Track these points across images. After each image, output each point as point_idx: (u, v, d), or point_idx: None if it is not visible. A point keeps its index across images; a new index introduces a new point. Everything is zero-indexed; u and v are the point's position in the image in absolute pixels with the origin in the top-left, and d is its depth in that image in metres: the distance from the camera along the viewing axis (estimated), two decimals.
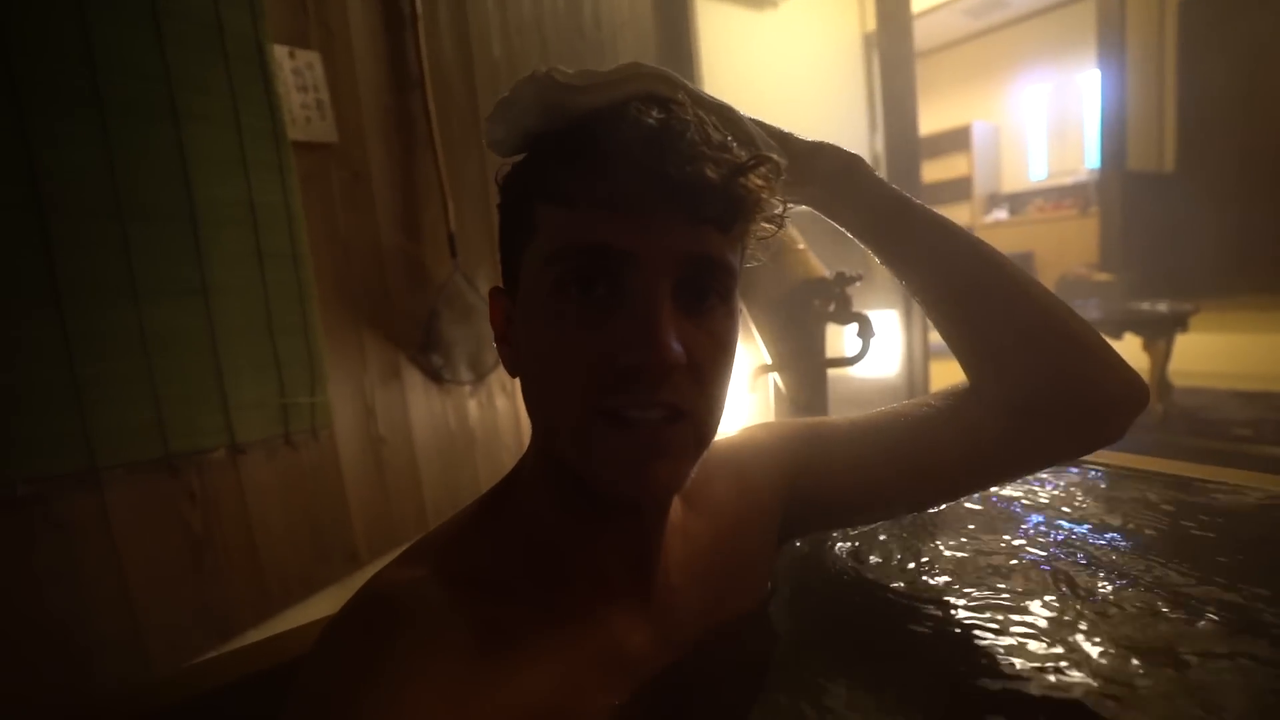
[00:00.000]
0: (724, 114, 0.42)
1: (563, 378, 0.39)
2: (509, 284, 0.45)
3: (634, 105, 0.38)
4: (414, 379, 1.69)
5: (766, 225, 0.43)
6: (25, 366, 1.00)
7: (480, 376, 1.82)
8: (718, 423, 0.42)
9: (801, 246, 1.34)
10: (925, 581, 0.61)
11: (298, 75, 1.43)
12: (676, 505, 0.52)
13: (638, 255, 0.37)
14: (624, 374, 0.37)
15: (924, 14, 4.74)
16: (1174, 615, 0.52)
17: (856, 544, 0.69)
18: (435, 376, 1.73)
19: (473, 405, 1.84)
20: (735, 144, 0.40)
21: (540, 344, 0.40)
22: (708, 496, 0.54)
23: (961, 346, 0.55)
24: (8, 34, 0.97)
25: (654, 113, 0.38)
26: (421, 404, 1.70)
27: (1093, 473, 0.86)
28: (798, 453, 0.57)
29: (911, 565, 0.64)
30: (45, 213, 1.01)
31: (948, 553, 0.66)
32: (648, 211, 0.37)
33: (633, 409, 0.37)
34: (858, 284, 1.27)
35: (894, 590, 0.60)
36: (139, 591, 1.13)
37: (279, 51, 1.37)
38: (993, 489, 0.81)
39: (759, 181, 0.40)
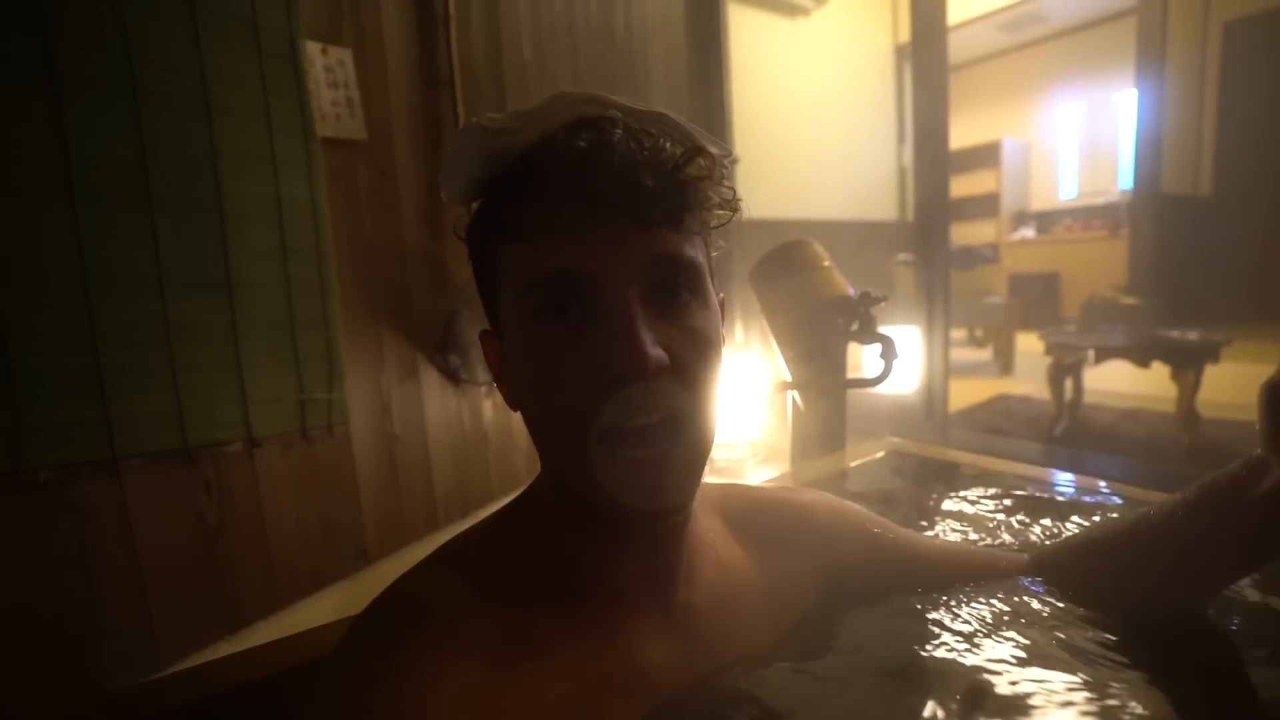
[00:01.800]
0: (660, 120, 0.42)
1: (555, 405, 0.39)
2: (495, 326, 0.45)
3: (563, 132, 0.40)
4: (431, 378, 1.69)
5: (721, 212, 0.44)
6: (52, 354, 1.01)
7: None
8: (714, 422, 0.42)
9: (826, 264, 1.32)
10: (954, 629, 0.59)
11: (329, 72, 1.43)
12: (720, 530, 0.52)
13: (599, 272, 0.38)
14: (611, 388, 0.37)
15: (957, 27, 4.68)
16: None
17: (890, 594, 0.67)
18: (452, 377, 1.73)
19: (488, 407, 1.84)
20: (668, 143, 0.41)
21: (528, 376, 0.40)
22: (756, 531, 0.54)
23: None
24: (47, 23, 0.99)
25: (583, 134, 0.39)
26: (437, 403, 1.71)
27: (1115, 500, 0.84)
28: (852, 554, 0.58)
29: (941, 610, 0.62)
30: (77, 202, 1.02)
31: (976, 596, 0.64)
32: (598, 228, 0.38)
33: (628, 419, 0.37)
34: (882, 304, 1.25)
35: (921, 637, 0.58)
36: (152, 579, 1.14)
37: (311, 48, 1.38)
38: (1021, 530, 0.79)
39: (696, 173, 0.40)
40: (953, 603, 0.61)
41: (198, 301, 1.16)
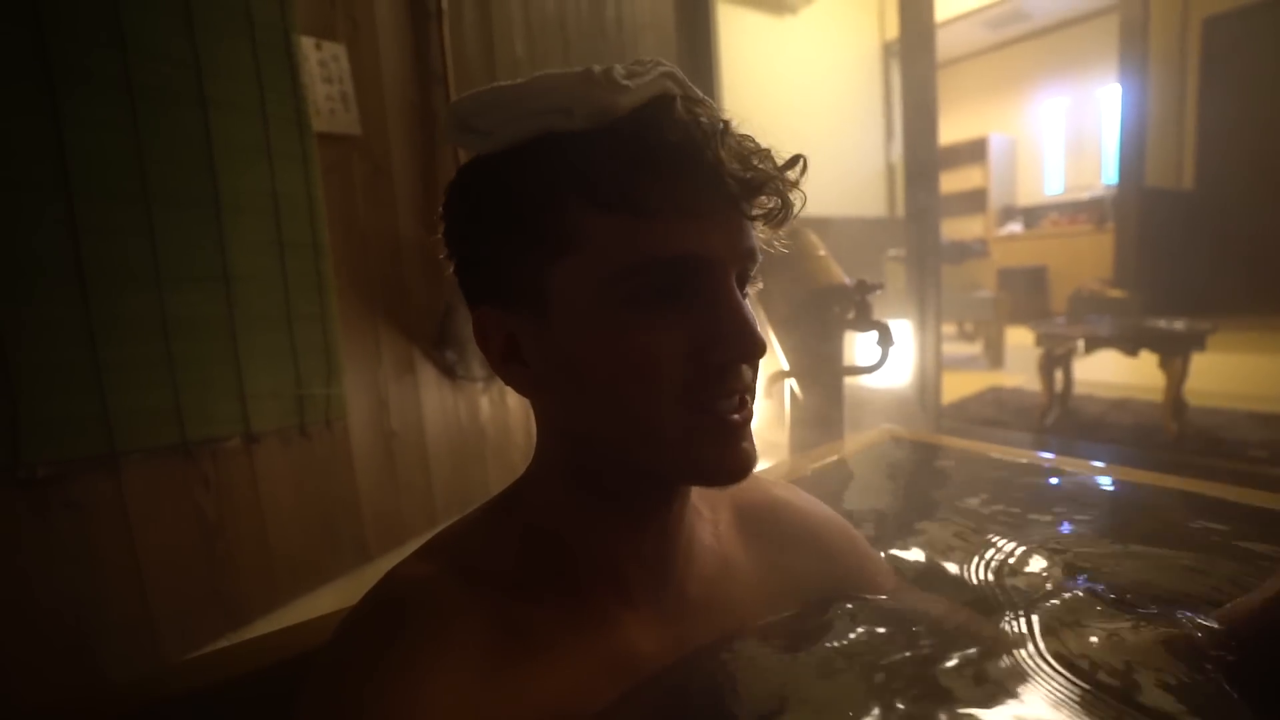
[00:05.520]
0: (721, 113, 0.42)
1: (652, 387, 0.38)
2: (513, 301, 0.41)
3: (678, 104, 0.38)
4: (428, 374, 1.69)
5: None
6: (48, 348, 1.00)
7: (493, 374, 1.82)
8: None
9: (822, 253, 1.34)
10: (950, 617, 0.58)
11: (323, 66, 1.43)
12: (729, 523, 0.52)
13: (715, 259, 0.38)
14: (717, 370, 0.38)
15: (943, 25, 4.72)
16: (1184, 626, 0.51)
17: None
18: (449, 372, 1.73)
19: (485, 402, 1.84)
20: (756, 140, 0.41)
21: (615, 358, 0.38)
22: (765, 530, 0.54)
23: None
24: (40, 15, 0.98)
25: (699, 110, 0.38)
26: (434, 399, 1.70)
27: (1114, 488, 0.85)
28: (848, 583, 0.58)
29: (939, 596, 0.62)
30: (72, 195, 1.02)
31: (972, 578, 0.64)
32: (717, 214, 0.38)
33: (722, 399, 0.39)
34: (878, 292, 1.26)
35: (919, 631, 0.57)
36: (151, 576, 1.13)
37: (305, 42, 1.38)
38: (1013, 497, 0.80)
39: (794, 177, 0.41)
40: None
41: (194, 295, 1.16)
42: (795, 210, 0.41)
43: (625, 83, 0.38)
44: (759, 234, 0.42)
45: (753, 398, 0.41)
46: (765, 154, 0.39)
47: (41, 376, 0.99)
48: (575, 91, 0.38)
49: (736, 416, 0.40)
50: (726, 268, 0.38)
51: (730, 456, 0.39)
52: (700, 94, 0.41)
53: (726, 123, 0.39)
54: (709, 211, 0.38)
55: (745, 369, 0.40)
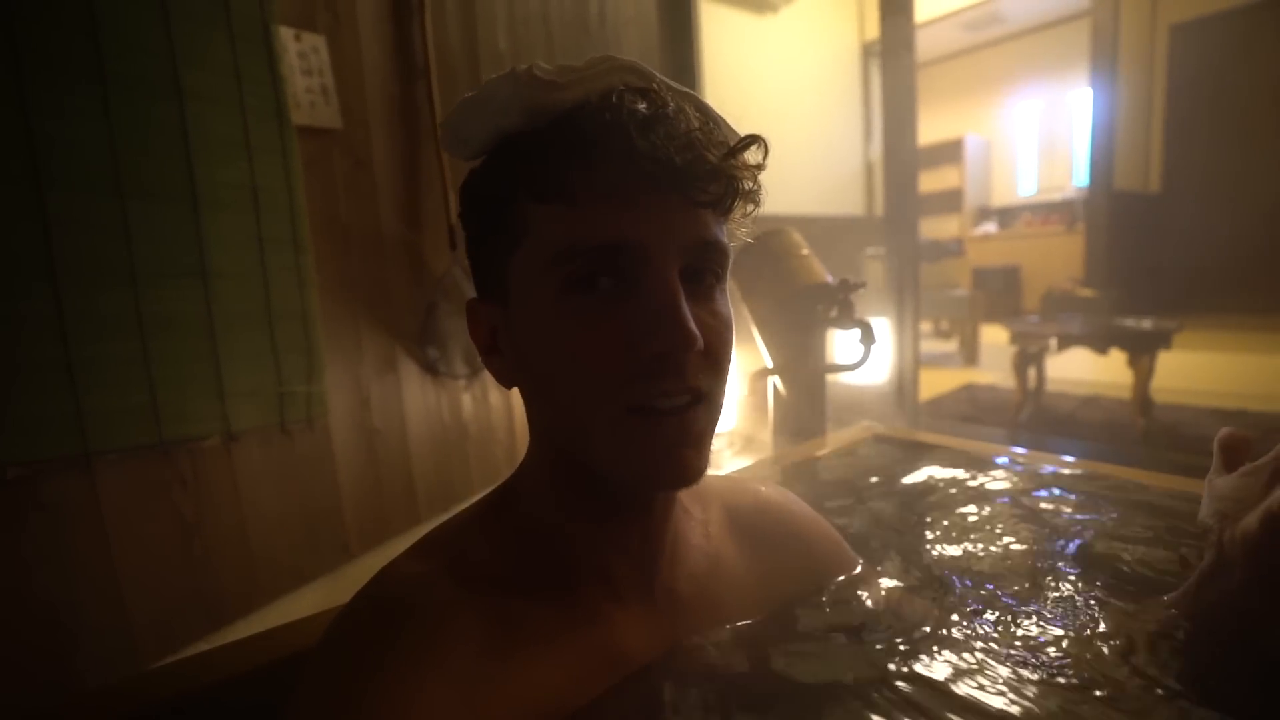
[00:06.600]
0: (696, 103, 0.41)
1: (585, 378, 0.38)
2: (491, 294, 0.43)
3: (619, 94, 0.38)
4: (410, 371, 1.68)
5: (751, 205, 0.43)
6: (19, 346, 0.97)
7: (475, 371, 1.81)
8: (724, 401, 0.42)
9: (805, 252, 1.35)
10: (938, 616, 0.59)
11: (303, 58, 1.41)
12: (719, 522, 0.53)
13: (649, 246, 0.37)
14: (649, 364, 0.37)
15: (922, 26, 4.78)
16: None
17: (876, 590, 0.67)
18: (431, 369, 1.71)
19: (467, 399, 1.83)
20: (714, 126, 0.40)
21: (552, 349, 0.39)
22: (753, 530, 0.54)
23: None
24: (12, 3, 0.95)
25: (641, 101, 0.38)
26: (416, 396, 1.69)
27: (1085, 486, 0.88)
28: (826, 579, 0.58)
29: (925, 595, 0.63)
30: (43, 188, 0.99)
31: (949, 571, 0.66)
32: (653, 200, 0.37)
33: (661, 398, 0.37)
34: (861, 290, 1.28)
35: (902, 632, 0.57)
36: (128, 578, 1.11)
37: (285, 33, 1.35)
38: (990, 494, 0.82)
39: (749, 161, 0.40)
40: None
41: (172, 292, 1.13)
42: (743, 194, 0.40)
43: (551, 79, 0.38)
44: (738, 224, 0.42)
45: (709, 401, 0.39)
46: (712, 138, 0.38)
47: (11, 375, 0.96)
48: (506, 91, 0.39)
49: (675, 419, 0.38)
50: (664, 256, 0.37)
51: (664, 461, 0.38)
52: (661, 85, 0.40)
53: (665, 108, 0.38)
54: (643, 198, 0.36)
55: (695, 368, 0.38)
